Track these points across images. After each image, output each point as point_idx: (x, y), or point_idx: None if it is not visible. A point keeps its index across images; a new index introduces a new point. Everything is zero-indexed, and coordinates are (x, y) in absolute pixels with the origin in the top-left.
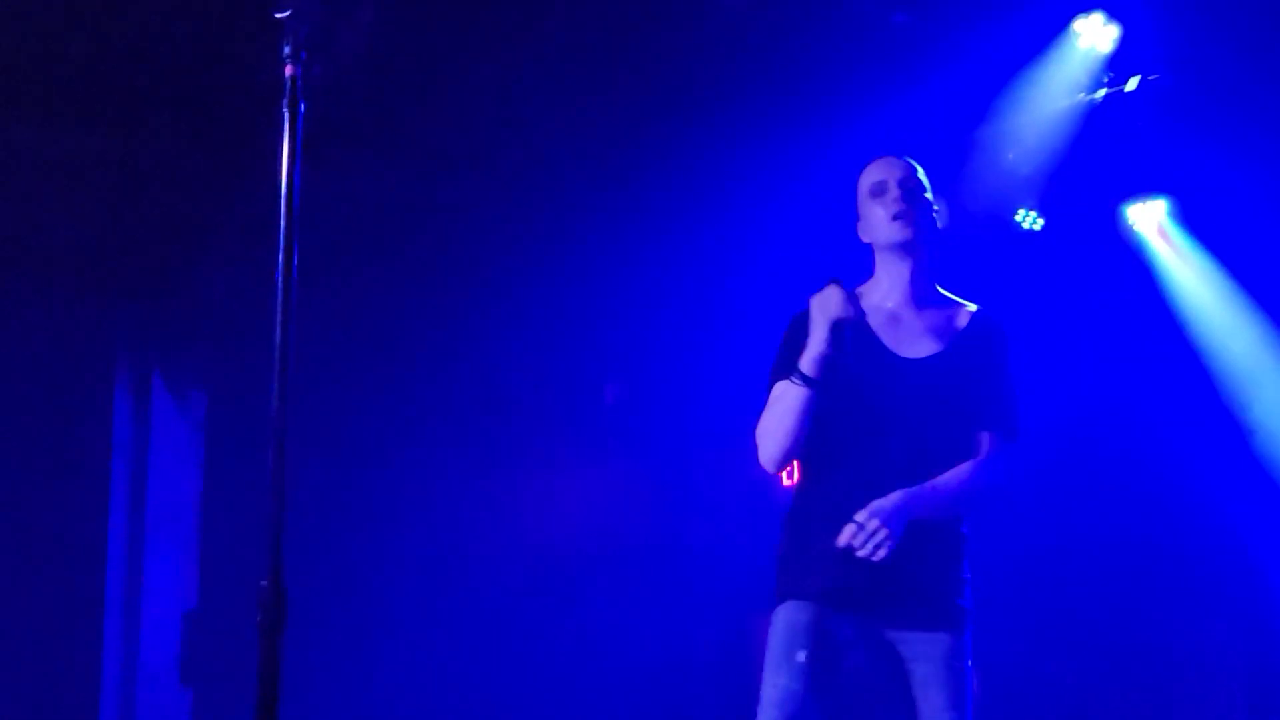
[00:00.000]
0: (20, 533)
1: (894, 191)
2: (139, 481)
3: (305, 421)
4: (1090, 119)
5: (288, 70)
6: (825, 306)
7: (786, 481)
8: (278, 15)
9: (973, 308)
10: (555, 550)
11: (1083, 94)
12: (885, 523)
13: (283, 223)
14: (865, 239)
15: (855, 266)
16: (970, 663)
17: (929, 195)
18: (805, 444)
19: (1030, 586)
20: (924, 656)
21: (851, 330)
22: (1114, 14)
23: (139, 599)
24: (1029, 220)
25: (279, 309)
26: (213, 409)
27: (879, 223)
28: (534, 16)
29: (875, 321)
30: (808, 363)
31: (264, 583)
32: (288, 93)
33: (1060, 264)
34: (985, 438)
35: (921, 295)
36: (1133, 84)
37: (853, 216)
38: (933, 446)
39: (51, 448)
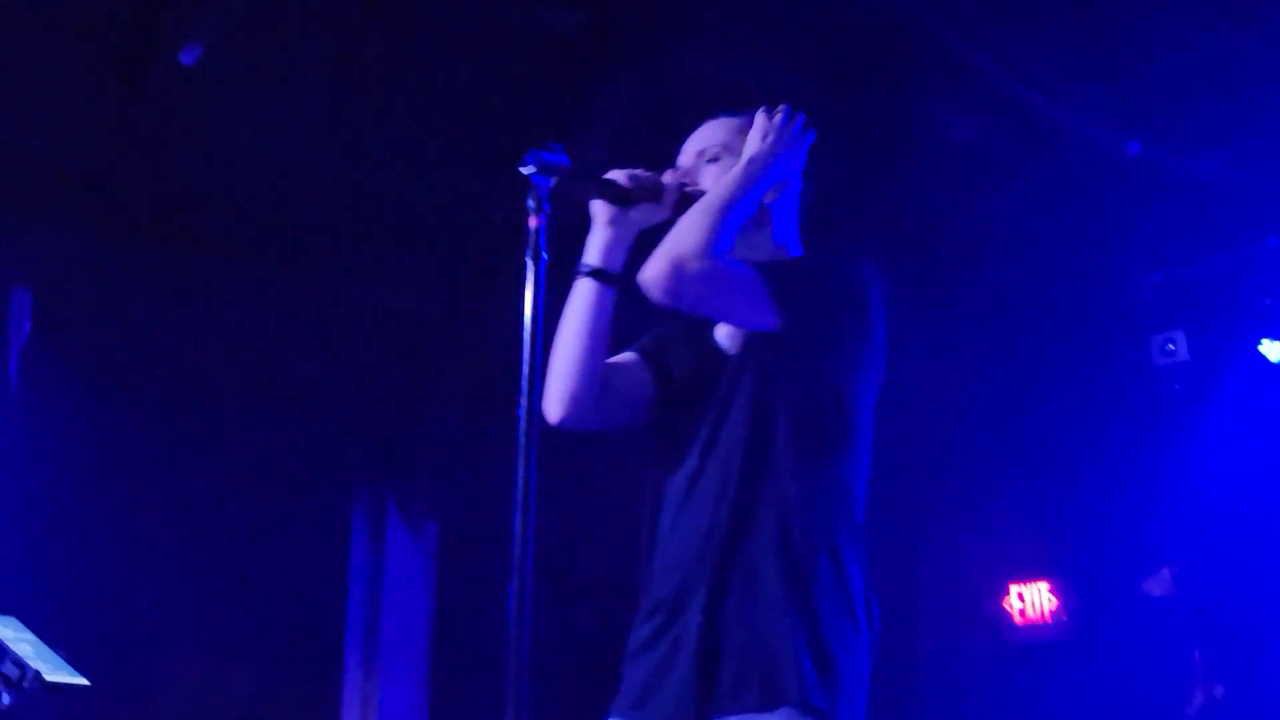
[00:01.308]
0: (259, 655)
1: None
2: (374, 609)
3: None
4: None
5: (531, 222)
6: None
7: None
8: (522, 170)
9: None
10: None
11: None
12: None
13: (526, 365)
14: None
15: None
16: None
17: (727, 165)
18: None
19: None
20: None
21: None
22: None
23: None
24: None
25: (522, 445)
26: (444, 539)
27: None
28: None
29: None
30: (593, 248)
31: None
32: (531, 243)
33: None
34: None
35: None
36: None
37: None
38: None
39: (291, 574)
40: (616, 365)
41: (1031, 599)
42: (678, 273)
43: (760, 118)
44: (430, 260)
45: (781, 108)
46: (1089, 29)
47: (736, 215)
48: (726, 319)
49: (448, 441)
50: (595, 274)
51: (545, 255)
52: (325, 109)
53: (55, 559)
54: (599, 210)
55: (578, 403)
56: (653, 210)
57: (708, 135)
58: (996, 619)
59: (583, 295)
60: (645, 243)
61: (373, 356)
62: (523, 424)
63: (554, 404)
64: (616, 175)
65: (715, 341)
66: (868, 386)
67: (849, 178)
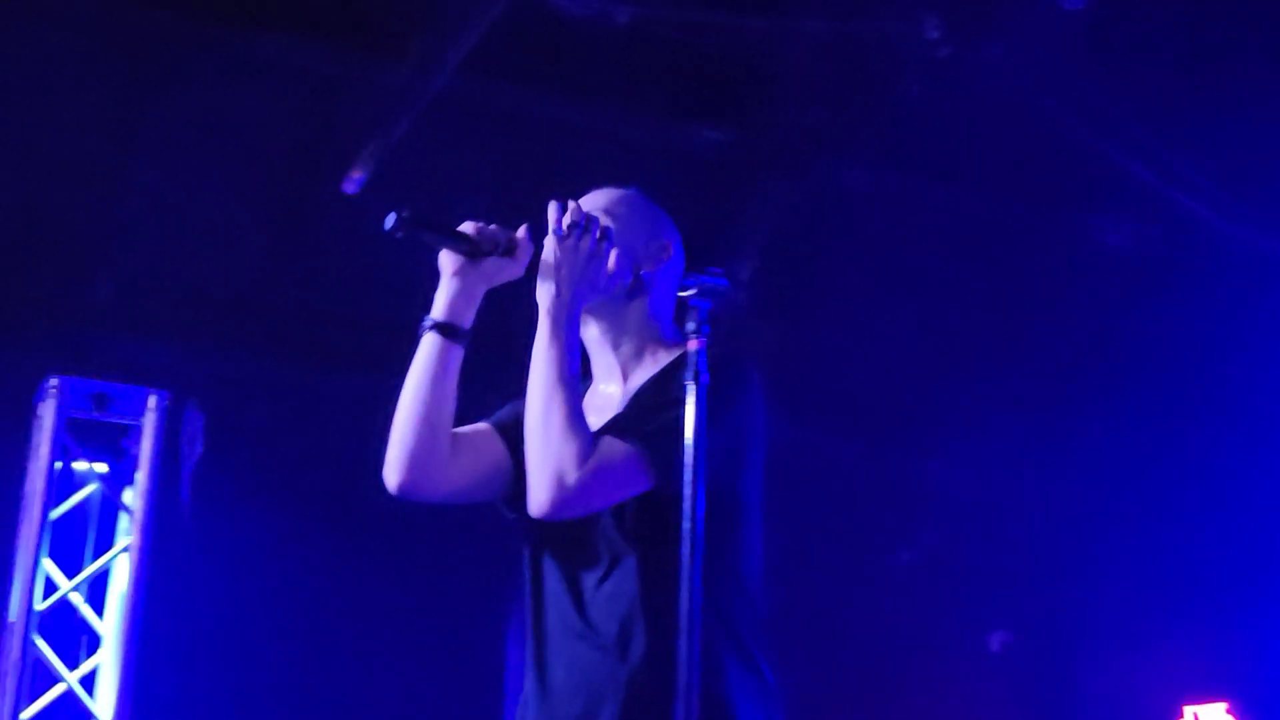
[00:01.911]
0: None
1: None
2: None
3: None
4: None
5: (691, 345)
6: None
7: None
8: (682, 294)
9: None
10: None
11: None
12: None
13: (689, 488)
14: None
15: None
16: None
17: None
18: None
19: None
20: None
21: None
22: None
23: None
24: None
25: (685, 561)
26: None
27: None
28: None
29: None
30: (439, 302)
31: None
32: (691, 365)
33: None
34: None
35: (637, 371)
36: None
37: None
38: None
39: (450, 685)
40: (467, 435)
41: None
42: (562, 499)
43: (547, 243)
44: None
45: (556, 213)
46: (1239, 132)
47: (568, 362)
48: (623, 498)
49: None
50: (440, 328)
51: (705, 377)
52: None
53: (220, 674)
54: (446, 262)
55: (418, 468)
56: (505, 265)
57: (589, 202)
58: None
59: (425, 351)
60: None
61: None
62: (687, 541)
63: (392, 469)
64: (467, 227)
65: None
66: (755, 478)
67: (1001, 286)
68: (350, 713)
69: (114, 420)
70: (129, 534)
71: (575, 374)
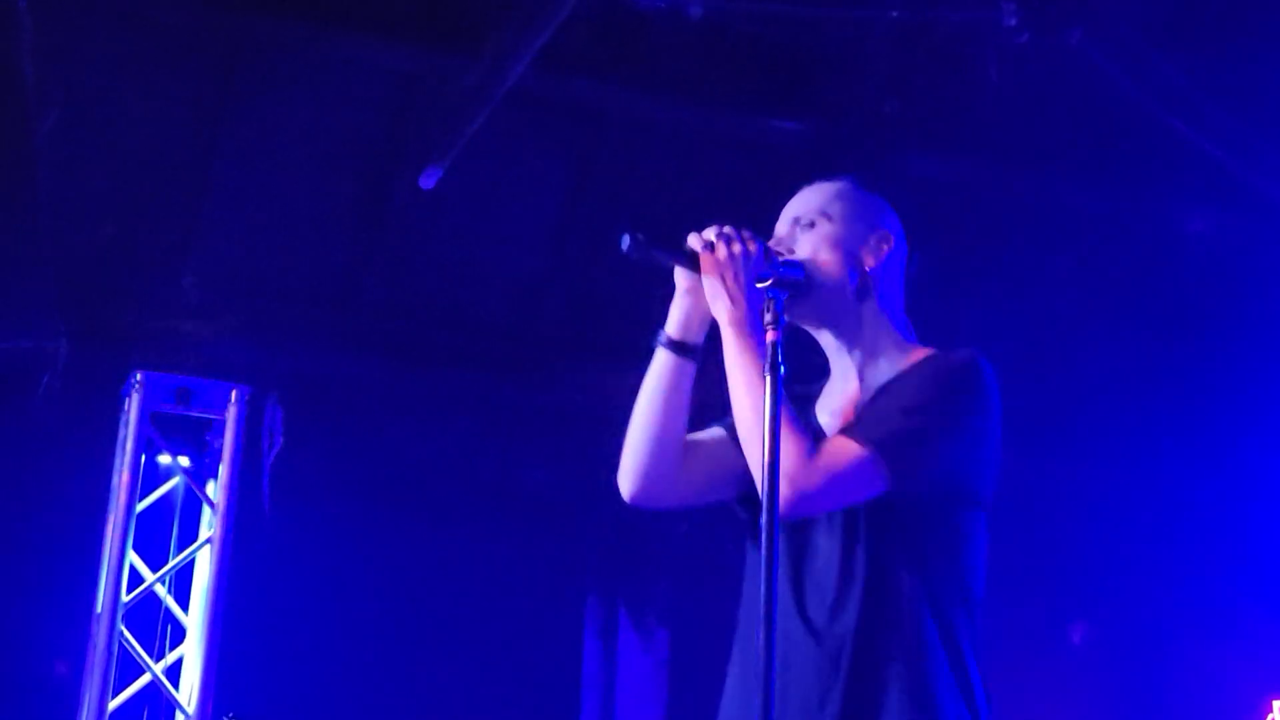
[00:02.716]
0: None
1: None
2: (607, 718)
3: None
4: None
5: (769, 335)
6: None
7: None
8: (758, 285)
9: (924, 351)
10: None
11: None
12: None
13: (765, 474)
14: None
15: None
16: None
17: (830, 229)
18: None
19: None
20: None
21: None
22: None
23: None
24: None
25: (764, 557)
26: (675, 647)
27: None
28: None
29: (821, 411)
30: (672, 318)
31: None
32: (768, 356)
33: None
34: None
35: (875, 371)
36: None
37: None
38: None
39: (524, 683)
40: (700, 441)
41: None
42: (792, 500)
43: (705, 263)
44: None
45: (714, 235)
46: None
47: (758, 362)
48: (857, 499)
49: (678, 548)
50: (672, 345)
51: (783, 368)
52: (556, 224)
53: (301, 666)
54: (679, 278)
55: (651, 479)
56: None
57: (802, 202)
58: None
59: (659, 367)
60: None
61: (604, 465)
62: (764, 535)
63: (626, 478)
64: (695, 241)
65: (817, 423)
66: (990, 480)
67: (1082, 275)
68: (430, 704)
69: (197, 414)
70: (211, 527)
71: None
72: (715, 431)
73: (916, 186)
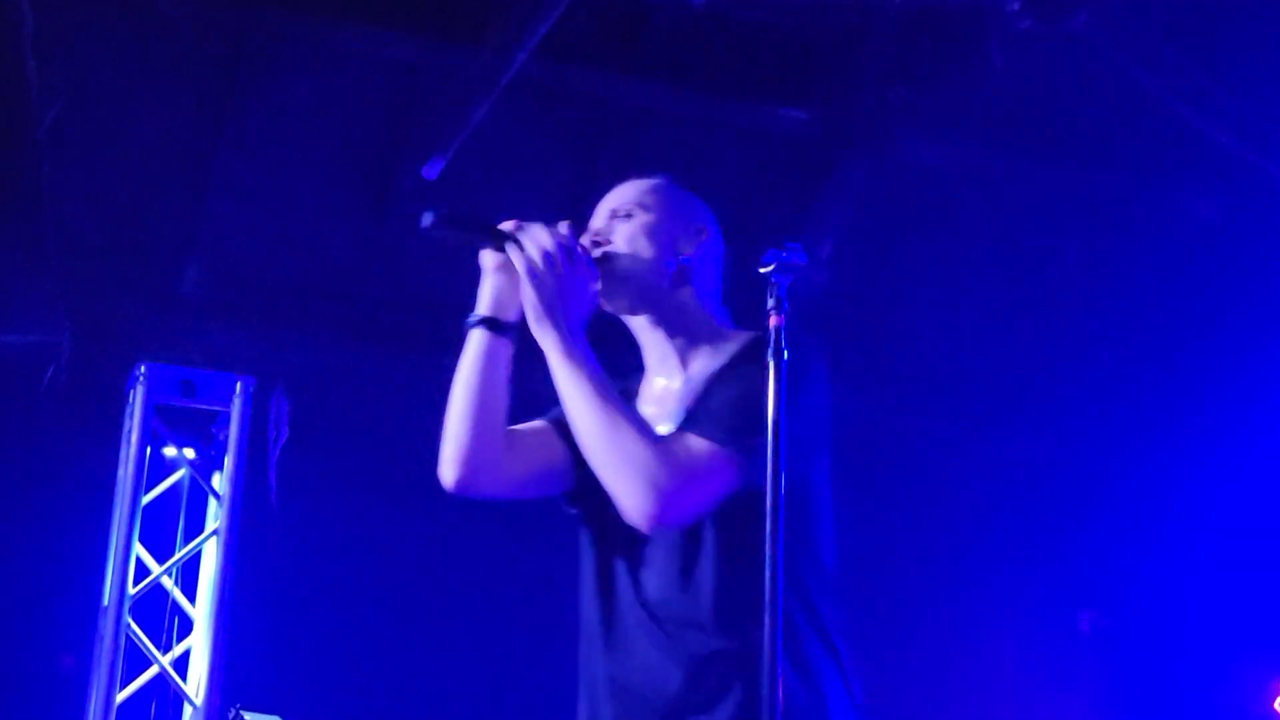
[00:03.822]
0: None
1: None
2: None
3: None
4: None
5: (772, 321)
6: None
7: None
8: (761, 270)
9: (746, 335)
10: None
11: None
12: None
13: (770, 453)
14: None
15: None
16: None
17: (646, 219)
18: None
19: None
20: None
21: None
22: None
23: None
24: None
25: (769, 545)
26: None
27: None
28: None
29: (643, 404)
30: (483, 298)
31: None
32: (772, 342)
33: None
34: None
35: (692, 357)
36: None
37: None
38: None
39: (531, 671)
40: (524, 433)
41: None
42: (663, 508)
43: (515, 258)
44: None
45: (519, 254)
46: None
47: (598, 378)
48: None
49: None
50: (486, 324)
51: (787, 354)
52: (560, 213)
53: (308, 656)
54: (488, 259)
55: (471, 466)
56: None
57: (618, 196)
58: None
59: (474, 349)
60: None
61: None
62: (769, 521)
63: (447, 466)
64: (508, 225)
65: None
66: (825, 460)
67: (1088, 261)
68: (437, 693)
69: (202, 406)
70: (217, 519)
71: (609, 384)
72: (539, 424)
73: (921, 173)
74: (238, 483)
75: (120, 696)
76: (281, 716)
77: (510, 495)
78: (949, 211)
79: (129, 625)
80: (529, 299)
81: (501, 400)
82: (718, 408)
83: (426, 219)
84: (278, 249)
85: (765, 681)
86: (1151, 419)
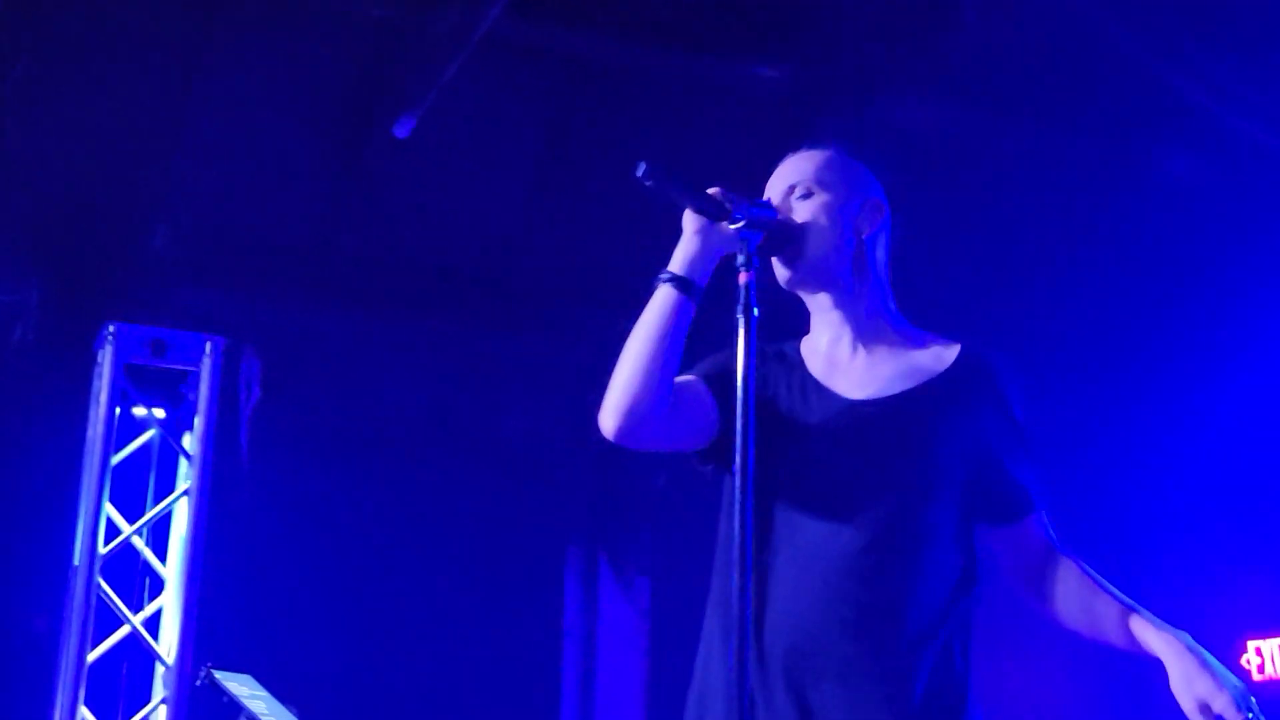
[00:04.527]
0: (472, 712)
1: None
2: (588, 666)
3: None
4: None
5: (742, 277)
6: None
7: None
8: (730, 226)
9: (956, 346)
10: None
11: None
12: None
13: (740, 420)
14: None
15: None
16: None
17: (827, 198)
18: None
19: None
20: None
21: (783, 375)
22: None
23: None
24: None
25: (739, 501)
26: (656, 595)
27: None
28: None
29: (814, 369)
30: (679, 258)
31: None
32: (741, 299)
33: None
34: (1031, 519)
35: (871, 333)
36: None
37: None
38: (903, 518)
39: (504, 632)
40: (681, 385)
41: (1271, 655)
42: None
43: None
44: (636, 319)
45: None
46: None
47: None
48: None
49: (657, 498)
50: (676, 282)
51: (756, 311)
52: (534, 171)
53: (281, 616)
54: (690, 220)
55: (638, 418)
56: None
57: (796, 170)
58: None
59: (659, 304)
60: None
61: (584, 415)
62: (739, 480)
63: (613, 415)
64: (715, 191)
65: (813, 378)
66: None
67: (1064, 218)
68: (410, 652)
69: (171, 366)
70: (188, 479)
71: None
72: (690, 379)
73: (898, 132)
74: (208, 442)
75: (91, 656)
76: (253, 675)
77: (661, 447)
78: (925, 170)
79: (100, 585)
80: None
81: (676, 357)
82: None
83: (640, 169)
84: (248, 208)
85: (733, 641)
86: (1124, 376)
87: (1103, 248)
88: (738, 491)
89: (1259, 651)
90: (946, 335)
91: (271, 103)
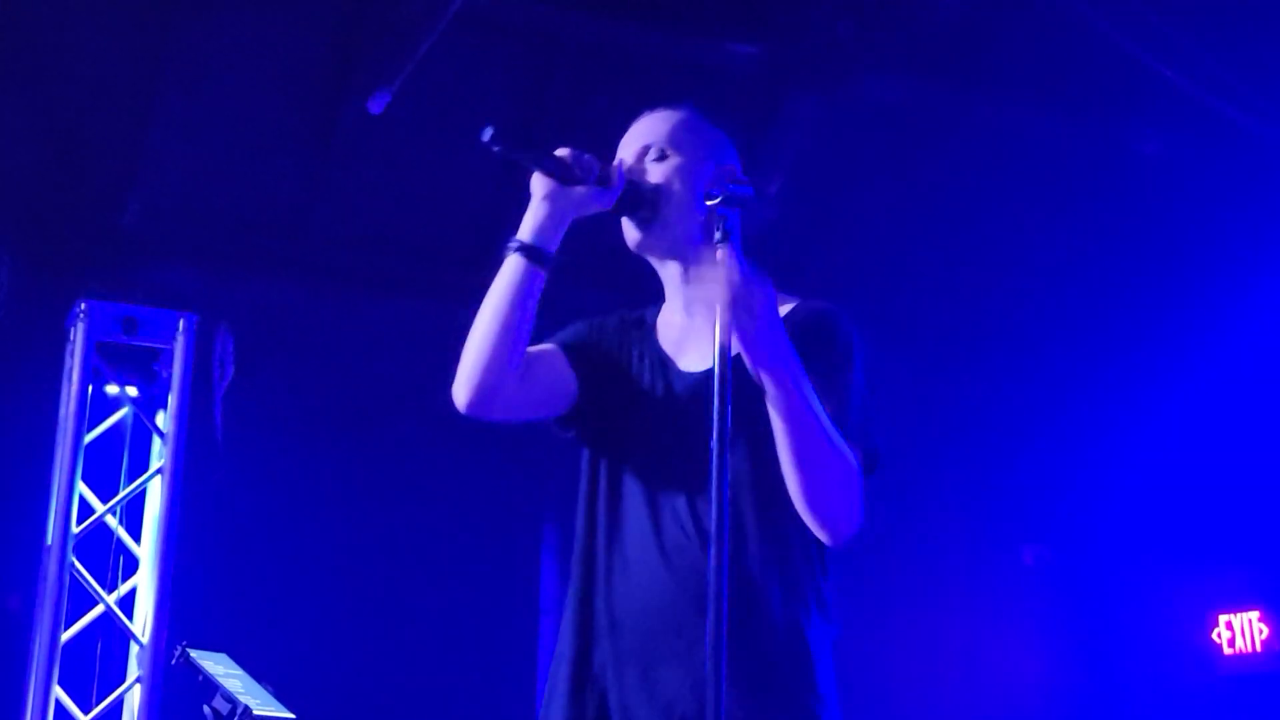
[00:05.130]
0: (449, 689)
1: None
2: None
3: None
4: None
5: (719, 254)
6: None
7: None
8: (708, 203)
9: (792, 303)
10: None
11: None
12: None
13: (716, 399)
14: None
15: None
16: None
17: (681, 161)
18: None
19: None
20: None
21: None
22: None
23: None
24: None
25: (714, 480)
26: None
27: None
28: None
29: (663, 338)
30: (527, 224)
31: None
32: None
33: None
34: None
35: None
36: None
37: None
38: (741, 489)
39: (480, 608)
40: (535, 355)
41: (1241, 629)
42: (850, 530)
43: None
44: (613, 298)
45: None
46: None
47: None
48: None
49: None
50: (525, 250)
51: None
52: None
53: (256, 595)
54: (538, 184)
55: (489, 389)
56: (596, 196)
57: (650, 130)
58: (1204, 651)
59: (507, 274)
60: (580, 233)
61: None
62: (715, 459)
63: (462, 387)
64: (562, 152)
65: (661, 350)
66: None
67: (1036, 197)
68: (387, 630)
69: (144, 344)
70: (162, 457)
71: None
72: (549, 348)
73: (871, 108)
74: (181, 420)
75: (66, 635)
76: (228, 654)
77: (516, 418)
78: (898, 148)
79: (73, 564)
80: (745, 320)
81: (527, 328)
82: (848, 417)
83: (487, 133)
84: (221, 184)
85: (711, 606)
86: (1093, 353)
87: (1076, 226)
88: (714, 470)
89: (1229, 625)
90: (794, 293)
91: (244, 77)
